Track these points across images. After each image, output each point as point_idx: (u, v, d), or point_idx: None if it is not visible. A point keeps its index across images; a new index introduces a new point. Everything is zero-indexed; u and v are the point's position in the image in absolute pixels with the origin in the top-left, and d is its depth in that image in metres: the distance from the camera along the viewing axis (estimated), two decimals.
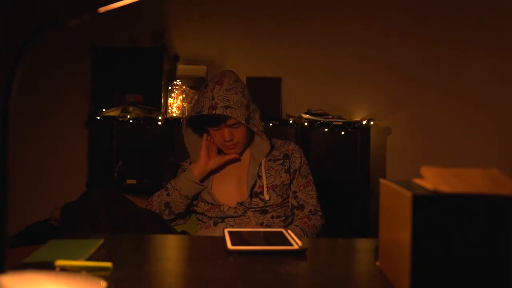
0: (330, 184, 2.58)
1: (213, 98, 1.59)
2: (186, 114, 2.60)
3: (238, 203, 1.63)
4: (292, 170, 1.70)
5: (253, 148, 1.72)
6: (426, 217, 0.66)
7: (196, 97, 2.65)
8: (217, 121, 1.62)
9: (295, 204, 1.67)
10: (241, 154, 1.74)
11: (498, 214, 0.66)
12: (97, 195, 1.43)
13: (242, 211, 1.62)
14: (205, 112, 1.59)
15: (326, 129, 2.52)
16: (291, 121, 2.57)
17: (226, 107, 1.58)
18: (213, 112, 1.58)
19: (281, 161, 1.70)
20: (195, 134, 1.76)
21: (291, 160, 1.71)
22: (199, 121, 1.70)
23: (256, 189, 1.64)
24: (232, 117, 1.58)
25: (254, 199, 1.63)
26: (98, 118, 2.57)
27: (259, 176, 1.66)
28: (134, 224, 1.47)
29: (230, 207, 1.63)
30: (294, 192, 1.69)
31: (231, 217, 1.62)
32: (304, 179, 1.71)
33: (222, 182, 1.71)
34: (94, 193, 1.45)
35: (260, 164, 1.67)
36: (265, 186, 1.63)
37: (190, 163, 1.77)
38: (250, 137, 1.71)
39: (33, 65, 2.80)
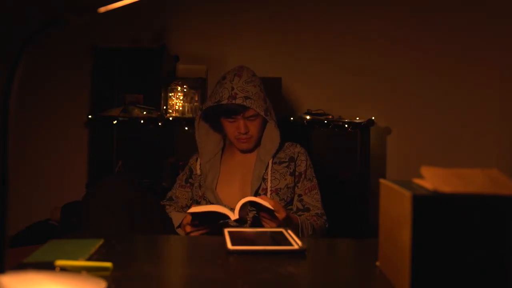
0: (330, 184, 2.57)
1: (232, 88, 1.60)
2: (186, 114, 2.60)
3: None
4: (297, 173, 1.69)
5: (260, 148, 1.72)
6: (426, 217, 0.66)
7: (196, 97, 2.65)
8: (234, 112, 1.62)
9: (301, 207, 1.67)
10: (250, 151, 1.73)
11: (498, 214, 0.66)
12: (112, 183, 1.41)
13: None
14: (225, 101, 1.58)
15: (326, 129, 2.52)
16: (291, 121, 2.57)
17: (246, 97, 1.58)
18: (233, 101, 1.57)
19: (286, 164, 1.69)
20: (207, 126, 1.75)
21: (296, 163, 1.70)
22: (213, 112, 1.69)
23: (260, 191, 1.63)
24: (251, 107, 1.58)
25: None
26: (98, 118, 2.57)
27: (264, 179, 1.65)
28: (149, 215, 1.45)
29: (231, 208, 1.62)
30: (300, 195, 1.68)
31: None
32: (310, 182, 1.70)
33: (227, 182, 1.70)
34: (109, 181, 1.43)
35: (267, 167, 1.67)
36: (269, 189, 1.63)
37: (197, 159, 1.76)
38: (261, 135, 1.71)
39: (33, 65, 2.80)
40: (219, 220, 1.43)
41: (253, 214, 1.58)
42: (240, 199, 1.63)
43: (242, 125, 1.62)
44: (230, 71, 1.68)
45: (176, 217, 1.56)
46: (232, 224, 1.47)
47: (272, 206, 1.35)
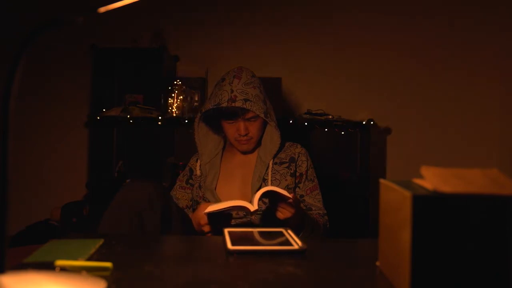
0: (330, 184, 2.57)
1: (232, 91, 1.59)
2: (186, 114, 2.60)
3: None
4: (298, 174, 1.69)
5: (260, 148, 1.72)
6: (426, 217, 0.66)
7: (196, 97, 2.65)
8: (233, 114, 1.62)
9: (303, 207, 1.67)
10: (250, 152, 1.73)
11: (498, 214, 0.66)
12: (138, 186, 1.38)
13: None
14: (224, 104, 1.58)
15: (326, 129, 2.52)
16: (291, 121, 2.57)
17: (245, 100, 1.58)
18: (233, 104, 1.57)
19: (287, 164, 1.69)
20: (206, 127, 1.75)
21: (297, 163, 1.70)
22: (213, 114, 1.69)
23: None
24: (251, 110, 1.58)
25: None
26: (98, 118, 2.57)
27: (264, 180, 1.65)
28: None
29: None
30: (301, 196, 1.68)
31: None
32: (311, 183, 1.70)
33: (227, 182, 1.69)
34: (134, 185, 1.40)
35: (267, 167, 1.67)
36: None
37: (197, 159, 1.76)
38: (261, 135, 1.71)
39: (33, 65, 2.80)
40: (232, 216, 1.42)
41: (265, 206, 1.58)
42: (240, 199, 1.63)
43: (242, 127, 1.62)
44: (229, 72, 1.67)
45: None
46: (251, 215, 1.48)
47: (290, 195, 1.35)
